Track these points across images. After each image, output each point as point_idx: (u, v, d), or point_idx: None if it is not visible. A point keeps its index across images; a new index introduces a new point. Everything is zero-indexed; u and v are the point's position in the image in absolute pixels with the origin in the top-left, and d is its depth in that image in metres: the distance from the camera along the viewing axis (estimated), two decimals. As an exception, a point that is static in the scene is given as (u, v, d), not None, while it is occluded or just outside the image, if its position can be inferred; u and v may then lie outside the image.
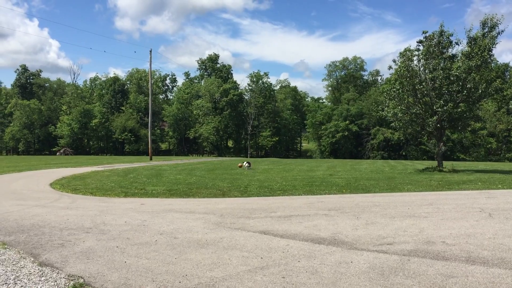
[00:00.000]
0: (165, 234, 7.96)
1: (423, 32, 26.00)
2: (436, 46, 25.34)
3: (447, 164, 29.60)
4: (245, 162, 30.75)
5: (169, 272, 5.58)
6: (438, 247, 6.50)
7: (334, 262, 5.87)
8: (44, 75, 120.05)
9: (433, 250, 6.36)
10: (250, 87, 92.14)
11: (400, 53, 26.42)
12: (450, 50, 25.74)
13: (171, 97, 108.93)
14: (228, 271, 5.56)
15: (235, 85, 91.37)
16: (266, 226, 8.49)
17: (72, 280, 5.32)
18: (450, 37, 25.49)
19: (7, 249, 6.90)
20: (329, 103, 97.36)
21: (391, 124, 31.07)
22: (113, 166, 35.49)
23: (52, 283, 5.20)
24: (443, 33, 25.44)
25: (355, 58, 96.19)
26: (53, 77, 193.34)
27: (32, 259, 6.32)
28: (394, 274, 5.25)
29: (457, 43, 25.64)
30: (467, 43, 25.21)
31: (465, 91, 24.36)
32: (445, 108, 24.29)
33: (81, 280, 5.29)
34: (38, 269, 5.80)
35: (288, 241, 7.19)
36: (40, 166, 35.05)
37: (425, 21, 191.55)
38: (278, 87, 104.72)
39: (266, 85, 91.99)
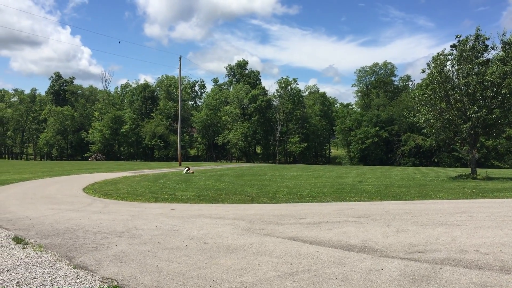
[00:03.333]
0: (195, 239, 8.05)
1: (456, 36, 25.56)
2: (470, 50, 24.83)
3: (481, 172, 28.91)
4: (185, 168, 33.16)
5: (200, 276, 5.65)
6: (471, 256, 6.37)
7: (364, 269, 5.83)
8: (76, 82, 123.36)
9: (466, 258, 6.23)
10: (278, 93, 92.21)
11: (433, 58, 26.00)
12: (485, 54, 25.18)
13: (200, 103, 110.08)
14: (258, 277, 5.59)
15: (264, 91, 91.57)
16: (296, 233, 8.49)
17: (106, 282, 5.45)
18: (486, 41, 24.94)
19: (44, 252, 7.12)
20: (359, 109, 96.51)
21: (423, 131, 30.58)
22: (143, 171, 36.06)
23: (87, 285, 5.34)
24: (479, 37, 24.89)
25: (385, 63, 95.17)
26: (85, 84, 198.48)
27: (68, 261, 6.50)
28: (425, 283, 5.18)
29: (492, 48, 25.07)
30: (501, 47, 24.63)
31: (499, 97, 23.74)
32: (479, 114, 23.74)
33: (115, 283, 5.42)
34: (74, 271, 5.96)
35: (317, 247, 7.17)
36: (73, 171, 35.91)
37: (459, 25, 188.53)
38: (307, 93, 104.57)
39: (294, 91, 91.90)
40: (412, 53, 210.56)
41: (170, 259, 6.57)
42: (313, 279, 5.44)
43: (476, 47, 24.89)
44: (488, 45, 24.99)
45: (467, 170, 30.48)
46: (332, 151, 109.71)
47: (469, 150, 27.16)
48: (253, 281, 5.40)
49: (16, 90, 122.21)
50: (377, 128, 77.23)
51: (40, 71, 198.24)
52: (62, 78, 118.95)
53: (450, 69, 25.63)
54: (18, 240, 7.95)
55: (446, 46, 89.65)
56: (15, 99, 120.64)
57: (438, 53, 25.87)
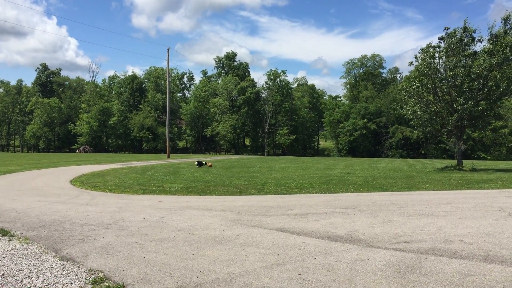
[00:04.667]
0: (182, 230, 8.06)
1: (444, 29, 25.65)
2: (457, 43, 24.98)
3: (467, 163, 29.23)
4: (196, 161, 30.84)
5: (187, 267, 5.66)
6: (456, 246, 6.46)
7: (351, 259, 5.89)
8: (63, 73, 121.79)
9: (450, 248, 6.32)
10: (267, 85, 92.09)
11: (422, 49, 26.10)
12: (472, 47, 25.35)
13: (188, 95, 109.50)
14: (245, 267, 5.62)
15: (253, 83, 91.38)
16: (283, 224, 8.53)
17: (92, 274, 5.44)
18: (473, 34, 25.10)
19: (30, 244, 7.07)
20: (347, 101, 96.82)
21: (410, 123, 30.77)
22: (131, 163, 35.89)
23: (73, 277, 5.32)
24: (466, 30, 25.04)
25: (373, 56, 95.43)
26: (72, 75, 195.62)
27: (54, 253, 6.46)
28: (410, 272, 5.25)
29: (479, 40, 25.22)
30: (488, 40, 24.80)
31: (486, 89, 23.95)
32: (465, 106, 23.95)
33: (102, 274, 5.40)
34: (60, 263, 5.94)
35: (304, 238, 7.21)
36: (60, 164, 35.62)
37: (447, 18, 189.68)
38: (295, 85, 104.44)
39: (283, 83, 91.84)
40: (401, 45, 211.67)
41: (157, 250, 6.57)
42: (300, 269, 5.48)
43: (463, 40, 25.05)
44: (475, 38, 25.18)
45: (454, 162, 30.80)
46: (320, 143, 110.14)
47: (455, 142, 27.43)
48: (240, 272, 5.42)
49: (1, 82, 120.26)
50: (365, 120, 77.59)
51: (26, 62, 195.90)
52: (49, 69, 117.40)
53: (438, 61, 25.78)
54: (4, 232, 7.89)
55: (434, 38, 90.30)
56: (1, 90, 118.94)
57: (427, 45, 26.00)
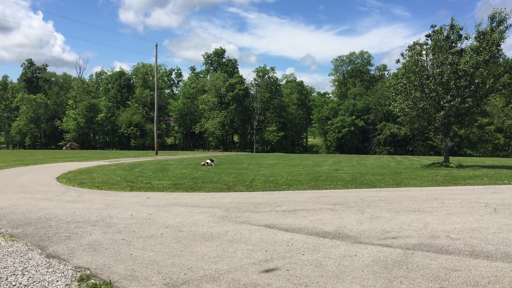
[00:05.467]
0: (170, 227, 8.02)
1: (431, 26, 25.85)
2: (444, 40, 25.17)
3: (454, 160, 29.54)
4: (208, 160, 28.92)
5: (175, 264, 5.63)
6: (442, 241, 6.51)
7: (338, 255, 5.90)
8: (49, 69, 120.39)
9: (437, 244, 6.37)
10: (256, 82, 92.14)
11: (409, 47, 26.26)
12: (458, 44, 25.56)
13: (176, 92, 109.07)
14: (233, 264, 5.60)
15: (241, 80, 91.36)
16: (271, 220, 8.53)
17: (79, 271, 5.39)
18: (460, 31, 25.30)
19: (15, 241, 6.98)
20: (336, 98, 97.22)
21: (398, 119, 30.98)
22: (119, 160, 35.67)
23: (59, 275, 5.27)
24: (453, 27, 25.23)
25: (362, 53, 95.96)
26: (58, 71, 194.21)
27: (40, 251, 6.39)
28: (397, 267, 5.28)
29: (466, 38, 25.44)
30: (475, 37, 25.02)
31: (472, 86, 24.19)
32: (452, 103, 24.17)
33: (88, 272, 5.36)
34: (46, 260, 5.87)
35: (292, 234, 7.22)
36: (46, 160, 35.27)
37: (435, 15, 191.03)
38: (284, 81, 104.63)
39: (272, 79, 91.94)
40: (389, 42, 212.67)
41: (144, 247, 6.52)
42: (288, 265, 5.48)
43: (450, 37, 25.26)
44: (462, 35, 25.39)
45: (440, 159, 31.10)
46: (309, 140, 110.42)
47: (442, 139, 27.69)
48: (228, 268, 5.41)
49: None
50: (353, 117, 78.05)
51: (11, 58, 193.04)
52: (35, 65, 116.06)
53: (425, 58, 25.96)
54: (-12, 230, 7.78)
55: (422, 36, 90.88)
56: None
57: (414, 42, 26.17)
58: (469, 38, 25.31)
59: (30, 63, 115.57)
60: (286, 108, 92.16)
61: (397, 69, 30.53)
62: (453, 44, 25.41)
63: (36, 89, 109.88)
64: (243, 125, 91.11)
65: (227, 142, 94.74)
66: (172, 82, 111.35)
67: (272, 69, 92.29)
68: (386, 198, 11.69)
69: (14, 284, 4.94)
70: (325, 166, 28.21)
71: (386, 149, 74.36)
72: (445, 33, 25.30)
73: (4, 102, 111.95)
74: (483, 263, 5.40)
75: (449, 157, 27.97)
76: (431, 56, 25.73)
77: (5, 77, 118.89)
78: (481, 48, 23.99)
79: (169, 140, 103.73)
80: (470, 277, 4.89)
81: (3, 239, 7.15)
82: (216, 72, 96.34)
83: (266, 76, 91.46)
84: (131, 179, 18.54)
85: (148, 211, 9.94)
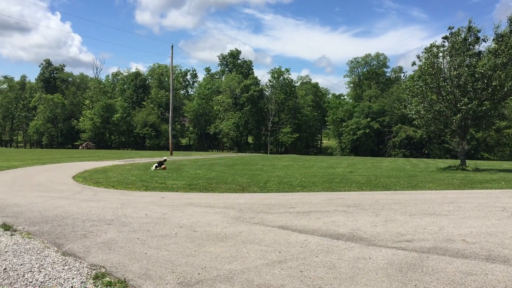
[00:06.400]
0: (184, 227, 8.06)
1: (449, 28, 25.60)
2: (462, 42, 24.90)
3: (471, 163, 29.16)
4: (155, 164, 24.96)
5: (189, 264, 5.66)
6: (458, 245, 6.44)
7: (352, 257, 5.87)
8: (66, 69, 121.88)
9: (452, 248, 6.30)
10: (271, 83, 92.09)
11: (426, 49, 26.01)
12: (476, 47, 25.26)
13: (191, 93, 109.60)
14: (246, 264, 5.61)
15: (256, 81, 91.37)
16: (285, 221, 8.52)
17: (94, 269, 5.44)
18: (478, 33, 25.00)
19: (32, 239, 7.08)
20: (351, 100, 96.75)
21: (414, 122, 30.68)
22: (134, 160, 35.95)
23: (75, 272, 5.33)
24: (471, 29, 24.94)
25: (377, 55, 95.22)
26: (75, 71, 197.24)
27: (56, 248, 6.47)
28: (412, 271, 5.23)
29: (484, 40, 25.14)
30: (493, 39, 24.71)
31: (490, 89, 23.86)
32: (469, 106, 23.87)
33: (103, 270, 5.41)
34: (62, 258, 5.94)
35: (306, 236, 7.20)
36: (63, 160, 35.71)
37: (453, 17, 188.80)
38: (299, 83, 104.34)
39: (287, 81, 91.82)
40: (405, 44, 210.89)
41: (159, 246, 6.57)
42: (301, 267, 5.47)
43: (468, 39, 24.98)
44: (479, 37, 25.09)
45: (457, 162, 30.74)
46: (323, 141, 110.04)
47: (459, 142, 27.39)
48: (242, 269, 5.42)
49: (5, 77, 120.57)
50: (368, 119, 77.53)
51: (29, 58, 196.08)
52: (52, 65, 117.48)
53: (442, 60, 25.70)
54: (6, 227, 7.90)
55: (439, 38, 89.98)
56: (5, 86, 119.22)
57: (431, 44, 25.92)
58: (487, 40, 25.02)
59: (48, 63, 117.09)
60: (301, 109, 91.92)
61: (413, 71, 30.28)
62: (471, 46, 25.12)
63: (54, 89, 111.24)
64: (258, 127, 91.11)
65: (241, 143, 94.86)
66: (187, 83, 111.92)
67: (287, 70, 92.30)
68: (401, 201, 11.59)
69: (30, 280, 5.01)
70: (339, 168, 28.08)
71: (402, 151, 73.72)
72: (462, 35, 25.03)
73: (22, 102, 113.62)
74: (499, 268, 5.33)
75: (466, 160, 27.63)
76: (448, 58, 25.46)
77: (24, 77, 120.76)
78: (499, 51, 23.67)
79: (184, 141, 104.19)
80: (486, 282, 4.83)
81: (20, 236, 7.26)
82: (231, 73, 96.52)
83: (281, 77, 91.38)
84: (146, 179, 18.67)
85: (162, 210, 10.00)
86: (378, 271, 5.26)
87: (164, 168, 24.57)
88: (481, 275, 5.07)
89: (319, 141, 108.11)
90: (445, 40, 25.76)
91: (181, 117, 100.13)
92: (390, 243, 6.65)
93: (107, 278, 5.08)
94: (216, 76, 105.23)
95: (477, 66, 24.03)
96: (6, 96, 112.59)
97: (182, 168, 26.12)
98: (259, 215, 9.29)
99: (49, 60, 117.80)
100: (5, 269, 5.42)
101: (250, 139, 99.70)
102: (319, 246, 6.50)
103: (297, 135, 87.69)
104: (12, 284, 4.89)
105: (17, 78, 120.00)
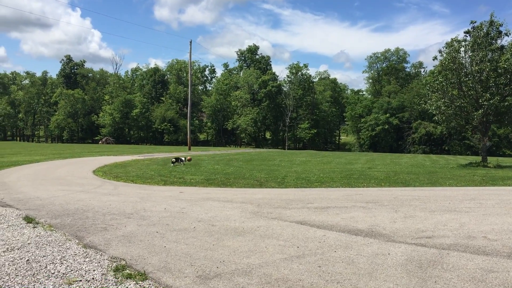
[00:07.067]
0: (203, 221, 8.11)
1: (471, 22, 25.11)
2: (484, 37, 24.44)
3: (492, 160, 28.67)
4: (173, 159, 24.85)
5: (207, 257, 5.69)
6: (479, 242, 6.35)
7: (371, 253, 5.84)
8: (86, 65, 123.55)
9: (473, 244, 6.22)
10: (289, 79, 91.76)
11: (447, 43, 25.60)
12: (498, 41, 24.77)
13: (210, 88, 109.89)
14: (264, 259, 5.63)
15: (274, 77, 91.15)
16: (303, 217, 8.51)
17: (114, 261, 5.52)
18: (500, 28, 24.51)
19: (54, 231, 7.21)
20: (369, 96, 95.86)
21: (434, 118, 30.25)
22: (152, 155, 36.25)
23: (96, 264, 5.42)
24: (493, 23, 24.46)
25: (397, 50, 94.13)
26: (95, 67, 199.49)
27: (77, 241, 6.58)
28: (432, 267, 5.18)
29: (506, 34, 24.62)
30: (516, 34, 24.20)
31: (513, 84, 23.41)
32: (491, 101, 23.45)
33: (123, 262, 5.48)
34: (83, 250, 6.04)
35: (324, 231, 7.19)
36: (83, 154, 36.20)
37: (474, 11, 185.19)
38: (317, 79, 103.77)
39: (305, 76, 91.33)
40: (426, 39, 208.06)
41: (178, 240, 6.62)
42: (320, 262, 5.46)
43: (490, 34, 24.50)
44: (502, 32, 24.59)
45: (478, 158, 30.25)
46: (341, 137, 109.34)
47: (480, 138, 26.94)
48: (260, 263, 5.43)
49: (27, 73, 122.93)
50: (387, 115, 76.70)
51: (50, 54, 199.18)
52: (73, 61, 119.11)
53: (463, 55, 25.26)
54: (28, 220, 8.07)
55: (460, 32, 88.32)
56: (27, 81, 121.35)
57: (452, 39, 25.49)
58: (510, 34, 24.48)
59: (69, 59, 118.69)
60: (319, 105, 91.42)
61: (433, 66, 29.84)
62: (493, 41, 24.63)
63: (74, 84, 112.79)
64: (275, 122, 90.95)
65: (259, 139, 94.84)
66: (205, 78, 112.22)
67: (305, 66, 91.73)
68: (420, 197, 11.47)
69: (53, 272, 5.11)
70: (358, 164, 27.89)
71: (421, 148, 72.79)
72: (484, 30, 24.55)
73: (43, 97, 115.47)
74: (522, 265, 5.24)
75: (487, 157, 27.17)
76: (469, 53, 25.01)
77: (45, 72, 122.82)
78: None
79: (202, 136, 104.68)
80: (508, 279, 4.76)
81: (42, 229, 7.40)
82: (249, 68, 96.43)
83: (299, 73, 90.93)
84: (165, 174, 18.82)
85: (181, 205, 10.07)
86: (397, 267, 5.22)
87: (190, 160, 26.05)
88: (503, 272, 4.99)
89: (337, 137, 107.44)
90: (467, 35, 25.31)
91: (199, 113, 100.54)
92: (410, 239, 6.59)
93: (127, 271, 5.15)
94: (234, 72, 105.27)
95: (500, 60, 23.56)
96: (28, 91, 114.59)
97: (200, 163, 26.25)
98: (277, 210, 9.29)
99: (69, 56, 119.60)
100: (28, 260, 5.53)
101: (267, 135, 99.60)
102: (337, 242, 6.48)
103: (315, 131, 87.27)
104: (35, 275, 4.99)
105: (38, 74, 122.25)
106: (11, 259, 5.57)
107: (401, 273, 4.98)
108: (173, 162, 23.97)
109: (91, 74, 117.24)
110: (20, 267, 5.27)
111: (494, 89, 23.92)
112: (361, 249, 6.04)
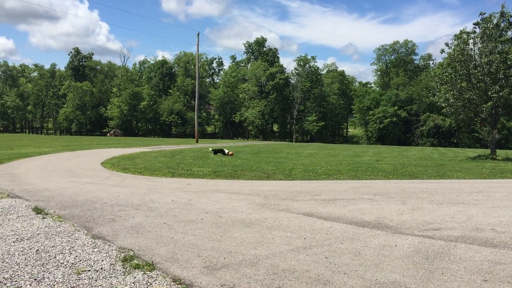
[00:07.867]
0: (210, 213, 8.15)
1: (480, 14, 24.86)
2: (494, 28, 24.17)
3: (501, 153, 28.48)
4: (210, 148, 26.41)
5: (214, 248, 5.73)
6: (487, 234, 6.33)
7: (378, 245, 5.84)
8: (94, 57, 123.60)
9: (481, 236, 6.20)
10: (296, 71, 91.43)
11: (455, 35, 25.36)
12: (509, 33, 24.49)
13: (217, 81, 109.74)
14: (271, 250, 5.65)
15: (282, 69, 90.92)
16: (310, 209, 8.52)
17: (122, 252, 5.57)
18: (510, 19, 24.21)
19: (63, 222, 7.28)
20: (378, 88, 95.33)
21: (442, 110, 30.07)
22: (160, 147, 36.39)
23: (104, 254, 5.47)
24: (503, 15, 24.18)
25: (406, 42, 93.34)
26: (103, 59, 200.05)
27: (86, 231, 6.64)
28: (439, 259, 5.18)
29: (516, 26, 24.36)
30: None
31: (523, 76, 23.18)
32: (500, 94, 23.25)
33: (131, 253, 5.53)
34: (91, 241, 6.10)
35: (331, 223, 7.20)
36: (91, 146, 36.41)
37: (484, 2, 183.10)
38: (325, 71, 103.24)
39: (313, 69, 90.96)
40: (435, 31, 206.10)
41: (185, 231, 6.66)
42: (326, 253, 5.48)
43: (500, 25, 24.24)
44: (512, 23, 24.31)
45: (487, 151, 30.07)
46: (349, 130, 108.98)
47: (489, 131, 26.75)
48: (267, 254, 5.46)
49: (36, 65, 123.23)
50: (395, 107, 76.30)
51: (58, 46, 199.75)
52: (81, 53, 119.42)
53: (472, 47, 25.02)
54: (38, 211, 8.14)
55: (470, 24, 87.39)
56: (35, 74, 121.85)
57: (461, 31, 25.25)
58: (520, 26, 24.21)
59: (77, 51, 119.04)
60: (327, 97, 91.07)
61: (442, 58, 29.59)
62: (503, 32, 24.37)
63: (82, 77, 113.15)
64: (283, 115, 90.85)
65: (266, 131, 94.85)
66: (213, 71, 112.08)
67: (313, 58, 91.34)
68: (428, 189, 11.44)
69: (62, 262, 5.16)
70: (365, 156, 27.82)
71: (430, 140, 72.40)
72: (494, 21, 24.29)
73: (52, 90, 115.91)
74: (530, 258, 5.22)
75: (496, 150, 26.99)
76: (479, 45, 24.77)
77: (53, 65, 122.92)
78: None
79: (209, 129, 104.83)
80: (515, 271, 4.74)
81: (51, 219, 7.47)
82: (257, 61, 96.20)
83: (307, 65, 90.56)
84: (172, 166, 18.89)
85: (188, 196, 10.12)
86: (404, 258, 5.23)
87: (231, 155, 25.94)
88: (510, 264, 4.98)
89: (345, 130, 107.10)
90: (477, 26, 25.06)
91: (207, 105, 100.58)
92: (417, 231, 6.59)
93: (135, 261, 5.19)
94: (242, 64, 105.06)
95: (510, 52, 23.33)
96: (37, 84, 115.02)
97: (208, 155, 26.31)
98: (284, 202, 9.31)
99: (77, 48, 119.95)
100: (37, 250, 5.60)
101: (275, 127, 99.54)
102: (344, 233, 6.49)
103: (323, 123, 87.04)
104: (44, 264, 5.05)
105: (47, 66, 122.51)
106: (21, 249, 5.63)
107: (408, 265, 4.98)
108: (215, 152, 25.14)
109: (99, 67, 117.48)
110: (29, 257, 5.33)
111: (503, 81, 23.71)
112: (368, 241, 6.05)
